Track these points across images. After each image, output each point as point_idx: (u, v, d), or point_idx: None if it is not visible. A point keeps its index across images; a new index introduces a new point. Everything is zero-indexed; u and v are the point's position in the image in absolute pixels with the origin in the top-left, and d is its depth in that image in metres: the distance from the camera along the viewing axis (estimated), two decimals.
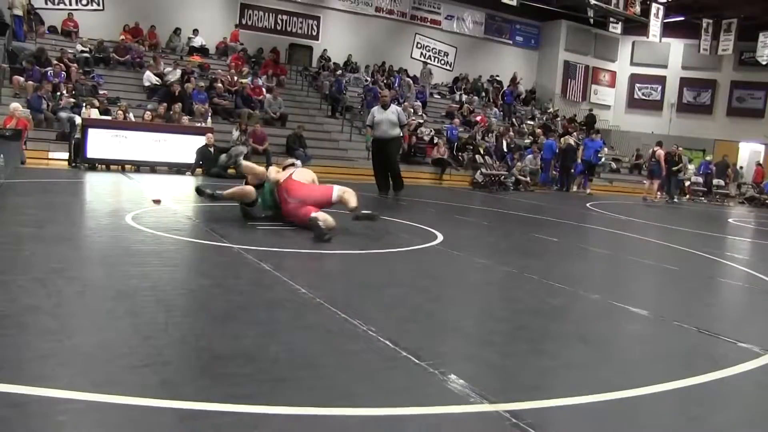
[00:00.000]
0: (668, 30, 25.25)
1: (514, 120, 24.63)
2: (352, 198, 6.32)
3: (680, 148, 19.79)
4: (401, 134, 11.56)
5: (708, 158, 24.24)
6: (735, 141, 28.43)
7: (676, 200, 19.06)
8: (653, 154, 18.90)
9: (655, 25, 24.38)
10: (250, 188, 6.48)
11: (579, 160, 19.48)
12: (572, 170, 19.66)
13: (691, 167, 23.43)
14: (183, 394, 2.20)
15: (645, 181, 19.51)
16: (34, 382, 2.20)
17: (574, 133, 22.57)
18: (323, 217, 5.95)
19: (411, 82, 23.74)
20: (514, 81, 27.08)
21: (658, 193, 18.87)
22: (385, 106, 11.08)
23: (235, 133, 15.32)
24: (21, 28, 17.61)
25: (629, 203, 16.82)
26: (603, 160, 21.45)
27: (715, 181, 22.53)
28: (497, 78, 27.14)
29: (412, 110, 21.56)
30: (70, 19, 19.53)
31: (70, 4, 20.14)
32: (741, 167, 26.49)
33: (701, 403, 2.59)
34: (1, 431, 1.88)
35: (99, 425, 2.03)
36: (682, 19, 26.06)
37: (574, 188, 19.32)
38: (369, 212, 6.36)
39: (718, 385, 2.78)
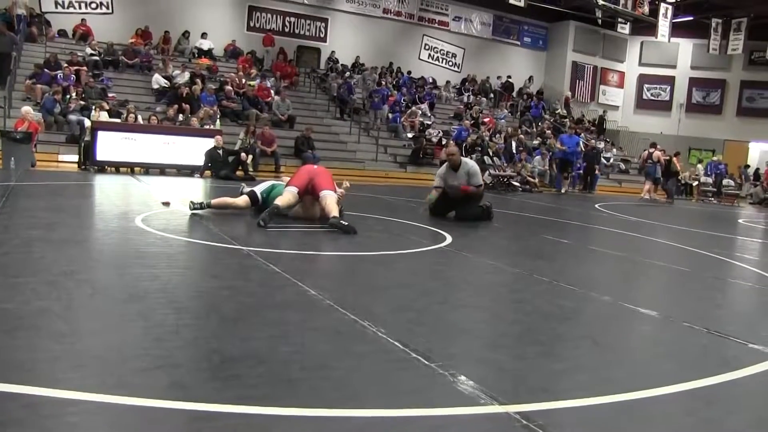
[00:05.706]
0: (677, 30, 25.17)
1: (524, 125, 24.50)
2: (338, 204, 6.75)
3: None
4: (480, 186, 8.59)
5: (715, 158, 24.10)
6: (745, 141, 28.27)
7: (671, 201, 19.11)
8: (649, 155, 19.12)
9: (663, 25, 24.31)
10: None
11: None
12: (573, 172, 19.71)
13: (700, 167, 23.33)
14: (195, 395, 2.21)
15: (647, 183, 19.58)
16: (46, 383, 2.21)
17: (582, 134, 22.46)
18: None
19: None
20: (539, 94, 27.21)
21: (655, 192, 19.05)
22: (455, 167, 8.43)
23: (242, 136, 15.36)
24: (23, 26, 17.67)
25: (637, 204, 16.76)
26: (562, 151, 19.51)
27: (725, 182, 22.43)
28: (509, 79, 27.11)
29: (420, 111, 21.59)
30: (83, 24, 19.64)
31: (79, 8, 20.27)
32: (747, 166, 26.32)
33: (712, 405, 2.57)
34: None
35: (111, 426, 2.04)
36: (691, 18, 25.96)
37: (572, 188, 19.45)
38: (346, 224, 6.34)
39: (730, 387, 2.76)
